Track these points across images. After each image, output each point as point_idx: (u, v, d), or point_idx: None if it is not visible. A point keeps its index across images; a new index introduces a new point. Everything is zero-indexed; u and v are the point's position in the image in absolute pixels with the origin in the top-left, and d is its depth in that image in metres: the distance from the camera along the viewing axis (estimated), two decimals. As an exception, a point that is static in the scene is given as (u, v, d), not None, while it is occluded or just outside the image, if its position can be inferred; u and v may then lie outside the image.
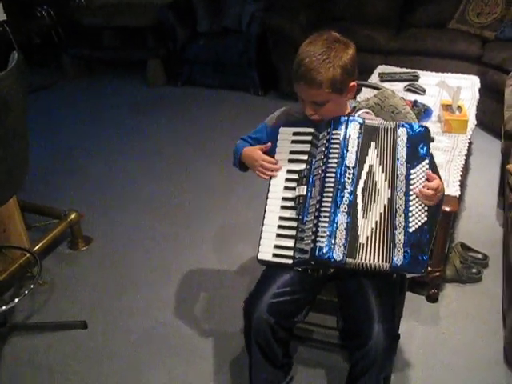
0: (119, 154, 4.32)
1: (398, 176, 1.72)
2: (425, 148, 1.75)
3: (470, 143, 3.21)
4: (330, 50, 1.70)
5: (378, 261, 1.68)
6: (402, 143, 1.74)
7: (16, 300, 2.47)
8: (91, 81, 6.01)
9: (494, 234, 3.09)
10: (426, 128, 1.78)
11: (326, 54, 1.70)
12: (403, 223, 1.68)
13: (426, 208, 1.71)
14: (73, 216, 3.11)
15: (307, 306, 1.94)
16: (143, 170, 4.05)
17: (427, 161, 1.74)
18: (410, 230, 1.68)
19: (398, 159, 1.73)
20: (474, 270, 2.75)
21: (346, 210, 1.69)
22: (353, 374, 1.81)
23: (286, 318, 1.86)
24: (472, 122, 3.07)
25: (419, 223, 1.69)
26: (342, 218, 1.68)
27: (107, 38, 6.02)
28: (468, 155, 3.26)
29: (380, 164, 1.75)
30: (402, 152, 1.73)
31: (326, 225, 1.68)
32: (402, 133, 1.75)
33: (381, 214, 1.71)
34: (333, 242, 1.66)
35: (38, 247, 2.90)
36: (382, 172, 1.74)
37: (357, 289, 1.83)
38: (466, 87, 3.41)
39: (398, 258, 1.66)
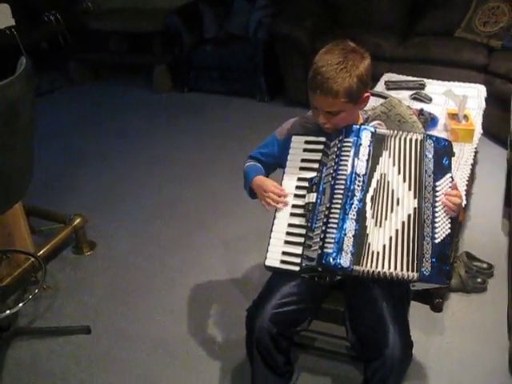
0: (124, 159, 4.33)
1: (425, 187, 1.74)
2: (448, 161, 1.78)
3: (476, 152, 3.20)
4: (347, 59, 1.71)
5: (402, 270, 1.68)
6: (429, 155, 1.76)
7: (20, 304, 2.48)
8: (97, 85, 6.03)
9: (499, 244, 3.07)
10: (450, 142, 1.82)
11: (343, 63, 1.70)
12: (430, 234, 1.70)
13: (450, 220, 1.75)
14: (78, 221, 3.11)
15: (311, 315, 1.93)
16: (148, 175, 4.06)
17: (450, 173, 1.78)
18: (436, 241, 1.70)
19: (425, 171, 1.75)
20: (479, 280, 2.74)
21: (354, 218, 1.69)
22: None
23: (288, 327, 1.86)
24: (478, 131, 3.06)
25: (444, 234, 1.72)
26: (350, 225, 1.68)
27: (114, 43, 6.05)
28: (474, 164, 3.25)
29: (399, 173, 1.75)
30: (429, 164, 1.75)
31: (334, 231, 1.68)
32: (430, 145, 1.77)
33: (403, 222, 1.72)
34: (340, 248, 1.66)
35: (42, 252, 2.90)
36: (404, 182, 1.75)
37: (367, 298, 1.83)
38: (473, 96, 3.40)
39: (426, 268, 1.67)
